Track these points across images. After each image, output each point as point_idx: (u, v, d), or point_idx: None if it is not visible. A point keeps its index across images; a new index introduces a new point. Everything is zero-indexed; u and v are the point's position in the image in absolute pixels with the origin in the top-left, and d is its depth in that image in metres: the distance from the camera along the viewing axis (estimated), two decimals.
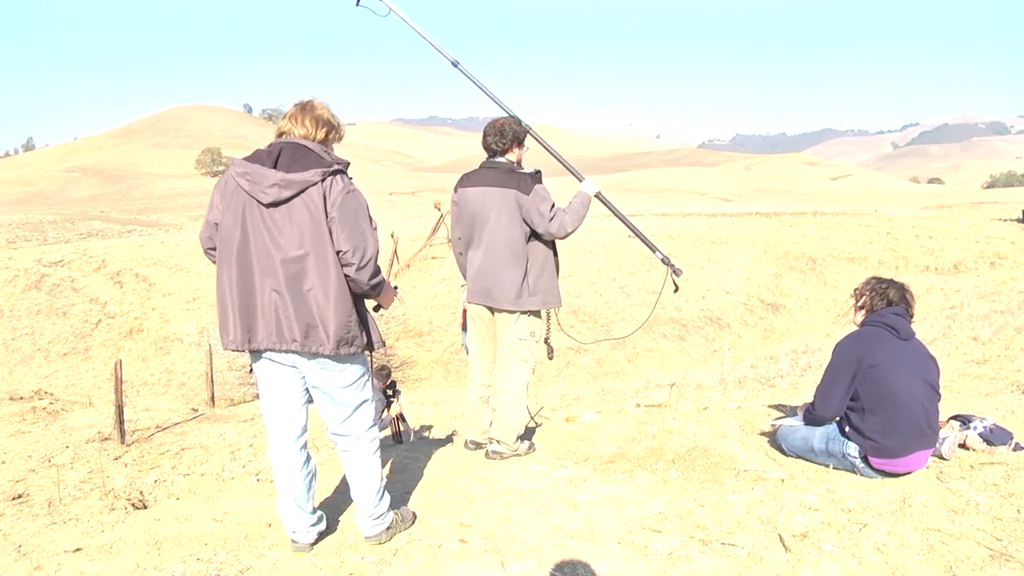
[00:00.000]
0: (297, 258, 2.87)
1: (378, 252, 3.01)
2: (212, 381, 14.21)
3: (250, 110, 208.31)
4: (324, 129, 3.04)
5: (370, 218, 3.00)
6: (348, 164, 3.03)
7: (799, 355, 12.47)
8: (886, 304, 3.74)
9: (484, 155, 4.49)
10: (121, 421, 9.06)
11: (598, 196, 4.52)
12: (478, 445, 4.73)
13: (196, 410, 12.60)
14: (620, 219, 4.79)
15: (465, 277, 4.63)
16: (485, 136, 4.42)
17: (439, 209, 29.74)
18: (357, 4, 4.45)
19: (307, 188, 2.86)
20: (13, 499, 5.62)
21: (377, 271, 3.02)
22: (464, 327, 13.05)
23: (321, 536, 3.26)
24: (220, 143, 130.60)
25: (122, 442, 8.86)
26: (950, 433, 3.82)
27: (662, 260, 4.66)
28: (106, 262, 25.11)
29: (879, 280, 3.84)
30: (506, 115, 4.49)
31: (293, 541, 3.17)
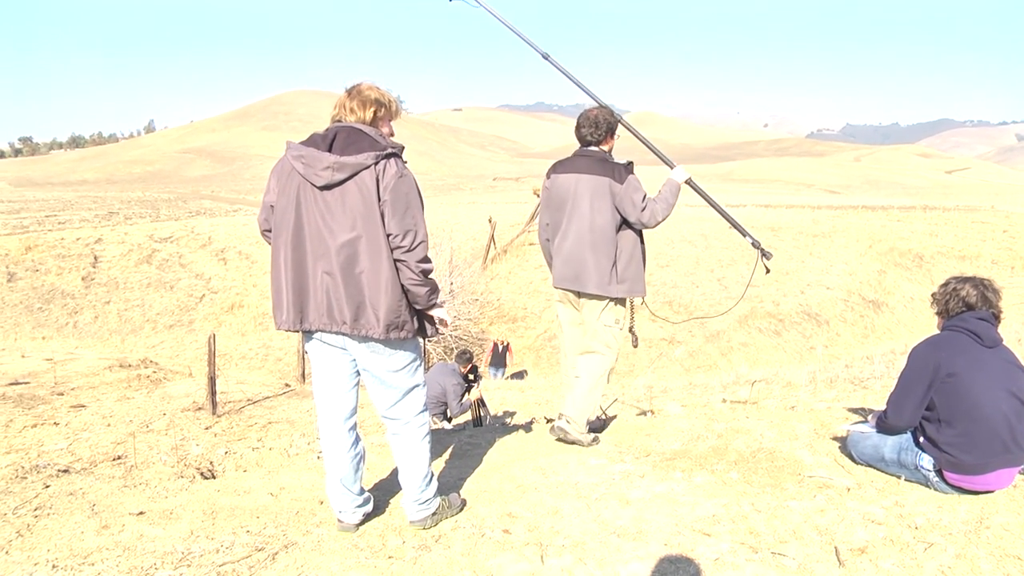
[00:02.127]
0: (349, 241, 2.87)
1: (427, 238, 2.99)
2: (304, 358, 14.67)
3: None
4: (372, 109, 3.02)
5: (421, 203, 2.99)
6: (403, 148, 3.01)
7: (896, 356, 11.87)
8: (965, 308, 3.44)
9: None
10: (213, 392, 9.44)
11: (689, 183, 4.56)
12: None
13: (288, 385, 13.01)
14: (712, 205, 4.82)
15: (550, 263, 4.68)
16: (579, 127, 4.48)
17: (538, 196, 29.72)
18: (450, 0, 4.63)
19: (360, 171, 2.86)
20: (113, 460, 5.96)
21: (428, 259, 3.00)
22: (491, 363, 12.78)
23: (367, 517, 3.29)
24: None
25: (213, 413, 9.21)
26: None
27: (752, 244, 4.68)
28: (212, 239, 26.26)
29: (957, 280, 3.51)
30: (597, 106, 4.53)
31: (339, 521, 3.21)
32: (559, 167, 4.52)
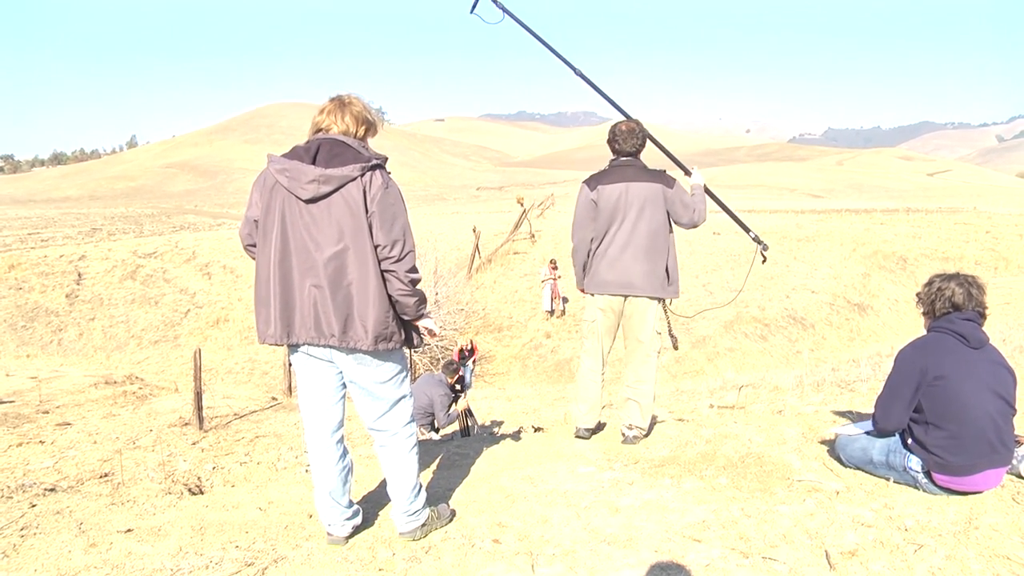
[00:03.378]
0: (336, 253, 2.87)
1: (415, 248, 3.00)
2: (290, 371, 14.59)
3: None
4: (364, 127, 3.04)
5: (404, 220, 2.99)
6: (386, 159, 3.01)
7: (883, 358, 11.95)
8: (952, 307, 3.42)
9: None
10: (200, 408, 9.37)
11: (704, 187, 4.76)
12: (592, 432, 4.91)
13: (275, 399, 12.96)
14: (721, 206, 5.03)
15: (583, 273, 4.79)
16: (616, 140, 4.67)
17: (522, 204, 29.79)
18: (472, 11, 4.82)
19: (346, 183, 2.86)
20: (100, 477, 5.92)
21: (416, 269, 3.00)
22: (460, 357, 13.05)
23: (357, 530, 3.27)
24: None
25: (200, 428, 9.16)
26: None
27: (753, 239, 4.93)
28: (196, 254, 26.12)
29: (942, 279, 3.49)
30: (624, 119, 4.75)
31: (328, 534, 3.19)
32: (602, 179, 4.62)
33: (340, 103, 3.04)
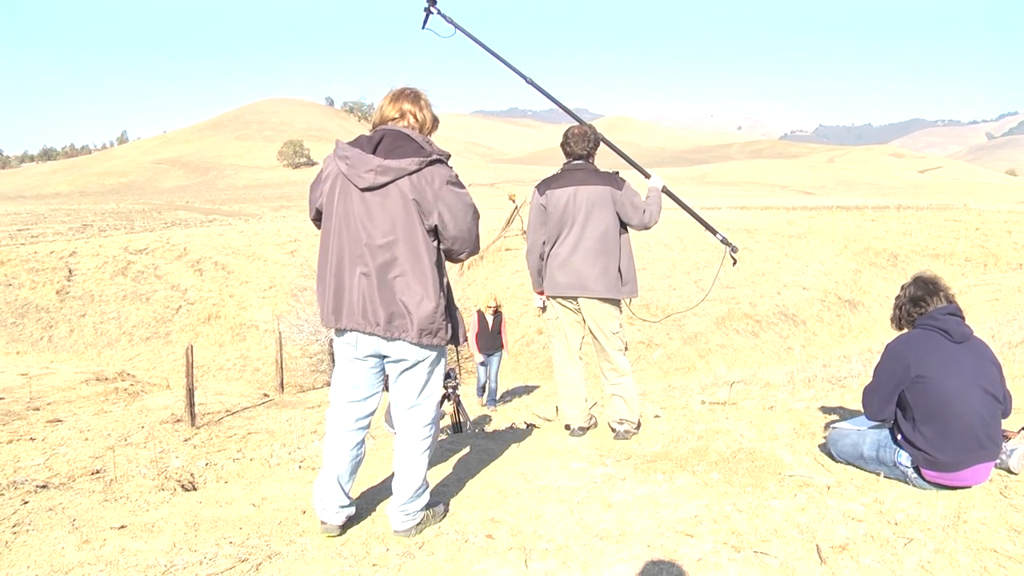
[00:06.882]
0: (387, 244, 2.93)
1: (478, 239, 3.14)
2: (282, 368, 14.57)
3: (332, 103, 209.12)
4: (435, 124, 3.15)
5: (474, 209, 3.08)
6: (449, 155, 3.06)
7: (873, 354, 12.02)
8: (914, 304, 3.54)
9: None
10: (191, 404, 9.37)
11: (664, 190, 4.82)
12: (585, 430, 4.92)
13: (267, 395, 12.95)
14: (683, 208, 5.09)
15: (538, 276, 4.81)
16: (568, 143, 4.70)
17: (514, 201, 29.77)
18: (423, 27, 4.79)
19: (403, 176, 2.92)
20: (92, 474, 5.91)
21: (478, 239, 3.15)
22: (481, 346, 13.28)
23: (350, 520, 3.26)
24: (302, 135, 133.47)
25: (192, 425, 9.16)
26: (1020, 444, 3.54)
27: (721, 240, 4.94)
28: (187, 250, 26.05)
29: (907, 291, 3.61)
30: (576, 123, 4.79)
31: (322, 522, 3.19)
32: (552, 183, 4.66)
33: (416, 96, 3.11)
